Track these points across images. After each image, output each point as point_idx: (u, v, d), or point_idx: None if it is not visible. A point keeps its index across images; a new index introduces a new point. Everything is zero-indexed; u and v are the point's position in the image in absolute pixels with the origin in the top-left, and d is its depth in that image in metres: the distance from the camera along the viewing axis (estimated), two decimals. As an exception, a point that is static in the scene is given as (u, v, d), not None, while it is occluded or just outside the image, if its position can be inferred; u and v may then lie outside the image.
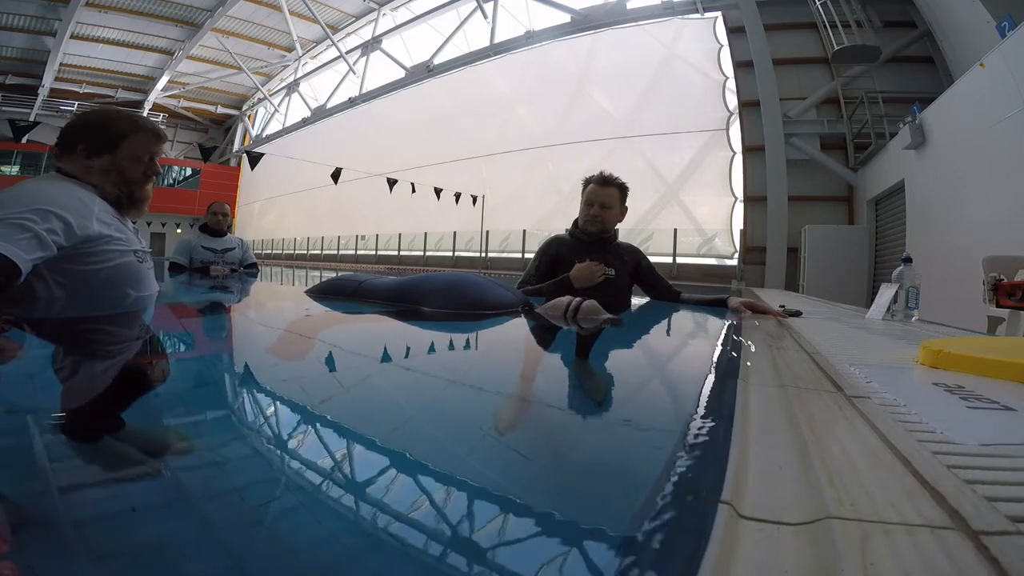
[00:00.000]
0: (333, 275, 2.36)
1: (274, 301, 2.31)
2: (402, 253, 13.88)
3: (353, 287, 1.78)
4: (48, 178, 1.30)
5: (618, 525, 0.34)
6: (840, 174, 7.78)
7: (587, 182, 2.10)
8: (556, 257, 2.04)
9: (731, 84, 8.91)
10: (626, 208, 2.13)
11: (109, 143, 1.31)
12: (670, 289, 2.16)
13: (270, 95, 19.04)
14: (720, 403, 0.61)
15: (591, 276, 1.87)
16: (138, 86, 18.62)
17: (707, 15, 9.15)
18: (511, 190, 12.15)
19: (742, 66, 8.54)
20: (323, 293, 1.93)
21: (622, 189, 2.09)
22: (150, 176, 1.38)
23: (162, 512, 0.33)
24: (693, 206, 9.49)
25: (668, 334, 1.63)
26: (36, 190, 1.19)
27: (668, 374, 0.97)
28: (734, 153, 8.89)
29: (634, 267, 2.13)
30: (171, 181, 20.37)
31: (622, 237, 2.22)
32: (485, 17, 12.26)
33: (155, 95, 18.66)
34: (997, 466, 0.41)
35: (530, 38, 11.39)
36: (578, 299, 1.41)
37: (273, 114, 19.70)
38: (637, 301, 2.17)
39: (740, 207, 8.70)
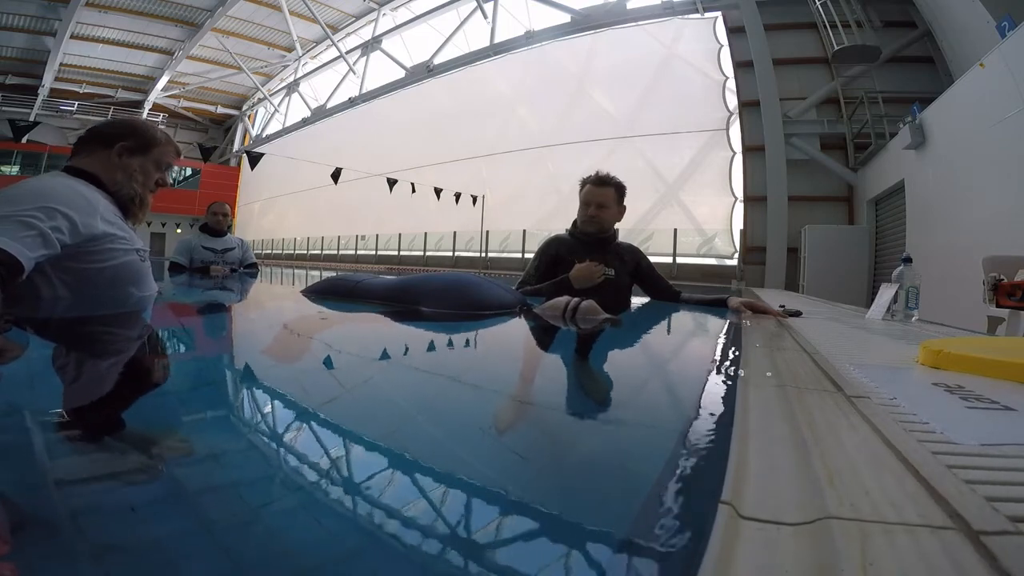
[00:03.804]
0: (332, 275, 2.35)
1: (273, 301, 2.31)
2: (402, 253, 13.88)
3: (350, 287, 1.77)
4: (54, 176, 1.30)
5: (618, 525, 0.34)
6: (840, 174, 7.78)
7: (584, 183, 2.10)
8: (556, 257, 2.04)
9: (731, 84, 8.90)
10: (624, 207, 2.12)
11: (144, 146, 1.40)
12: (670, 289, 2.16)
13: (270, 95, 19.03)
14: (720, 403, 0.61)
15: (591, 276, 1.87)
16: (138, 86, 18.62)
17: (707, 15, 9.15)
18: (511, 190, 12.15)
19: (742, 66, 8.54)
20: (320, 293, 1.93)
21: (619, 188, 2.08)
22: (161, 185, 1.47)
23: (163, 512, 0.33)
24: (693, 206, 9.48)
25: (668, 334, 1.63)
26: (42, 188, 1.19)
27: (668, 374, 0.97)
28: (734, 153, 8.89)
29: (634, 267, 2.13)
30: (171, 181, 20.30)
31: (622, 237, 2.22)
32: (485, 17, 12.26)
33: (155, 95, 18.66)
34: (997, 466, 0.41)
35: (530, 38, 11.39)
36: (576, 299, 1.41)
37: (273, 114, 19.69)
38: (637, 301, 2.17)
39: (740, 207, 8.70)
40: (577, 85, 11.26)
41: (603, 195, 2.05)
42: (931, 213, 5.33)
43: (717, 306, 1.94)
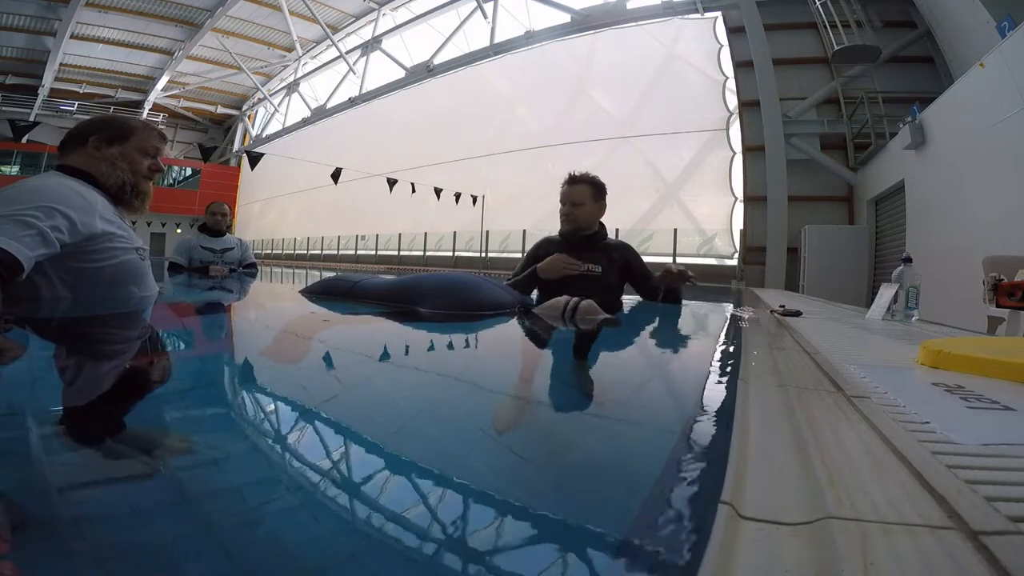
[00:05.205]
0: (331, 275, 2.35)
1: (272, 301, 2.31)
2: (402, 253, 13.87)
3: (348, 287, 1.77)
4: (51, 175, 1.30)
5: (618, 525, 0.34)
6: (840, 174, 7.78)
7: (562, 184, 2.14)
8: (544, 256, 2.06)
9: (731, 84, 8.90)
10: (604, 203, 2.13)
11: (120, 135, 1.40)
12: (656, 288, 2.14)
13: (270, 95, 19.02)
14: (720, 403, 0.61)
15: (557, 269, 1.91)
16: (138, 86, 18.62)
17: (707, 15, 9.15)
18: (511, 190, 12.13)
19: (742, 66, 8.54)
20: (319, 293, 1.93)
21: (593, 184, 2.10)
22: (154, 171, 1.46)
23: (164, 512, 0.33)
24: (693, 206, 9.48)
25: (668, 334, 1.63)
26: (40, 187, 1.20)
27: (668, 374, 0.97)
28: (734, 153, 8.89)
29: (623, 264, 2.13)
30: (171, 181, 20.35)
31: (622, 236, 2.23)
32: (485, 17, 12.26)
33: (155, 95, 18.66)
34: (997, 466, 0.40)
35: (530, 38, 11.39)
36: (576, 299, 1.41)
37: (273, 114, 19.69)
38: (635, 301, 2.17)
39: (740, 207, 8.70)
40: (577, 85, 11.26)
41: (576, 193, 2.07)
42: (931, 213, 5.33)
43: (669, 296, 2.05)
